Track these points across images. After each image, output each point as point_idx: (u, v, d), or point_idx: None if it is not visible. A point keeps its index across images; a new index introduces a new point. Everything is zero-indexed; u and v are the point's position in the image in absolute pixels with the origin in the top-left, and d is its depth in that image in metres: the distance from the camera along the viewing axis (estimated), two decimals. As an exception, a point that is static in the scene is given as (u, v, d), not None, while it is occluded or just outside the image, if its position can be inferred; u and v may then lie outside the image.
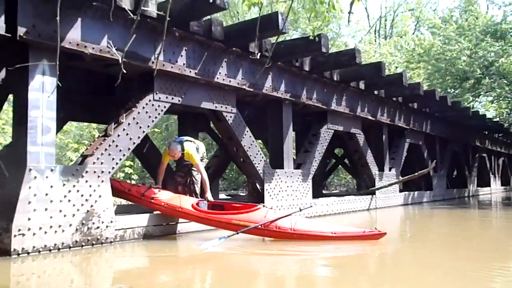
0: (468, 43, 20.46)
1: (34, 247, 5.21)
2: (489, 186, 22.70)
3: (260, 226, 6.05)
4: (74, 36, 5.79)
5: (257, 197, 8.61)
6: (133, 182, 14.11)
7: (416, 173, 12.49)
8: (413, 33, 32.14)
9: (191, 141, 7.33)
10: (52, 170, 5.47)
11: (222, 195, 16.58)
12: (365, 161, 12.03)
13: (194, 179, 7.33)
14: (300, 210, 6.38)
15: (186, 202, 6.69)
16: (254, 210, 6.31)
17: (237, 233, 6.02)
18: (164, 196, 6.79)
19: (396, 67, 24.16)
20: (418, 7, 33.40)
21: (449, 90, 22.26)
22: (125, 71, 4.68)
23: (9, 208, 5.18)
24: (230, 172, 26.01)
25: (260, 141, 15.71)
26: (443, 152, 17.18)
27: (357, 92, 11.57)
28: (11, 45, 5.40)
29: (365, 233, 6.07)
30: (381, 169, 12.76)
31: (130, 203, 7.87)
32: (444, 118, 16.58)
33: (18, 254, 5.09)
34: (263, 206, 6.54)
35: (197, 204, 6.70)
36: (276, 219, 6.13)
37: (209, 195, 7.04)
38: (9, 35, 5.21)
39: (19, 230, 5.12)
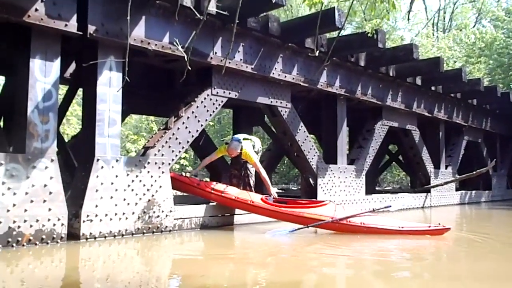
0: (534, 37, 19.61)
1: (100, 232, 5.59)
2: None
3: (332, 221, 6.29)
4: (138, 34, 6.12)
5: (310, 192, 8.75)
6: (187, 174, 14.56)
7: (474, 172, 12.21)
8: (474, 26, 31.02)
9: (248, 139, 7.51)
10: (117, 160, 5.82)
11: (274, 189, 16.78)
12: (420, 158, 11.88)
13: (249, 172, 7.54)
14: (373, 210, 6.64)
15: (255, 196, 6.98)
16: (324, 205, 6.56)
17: (307, 227, 6.31)
18: (233, 191, 7.04)
19: (455, 62, 23.47)
20: (480, -1, 32.14)
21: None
22: (189, 68, 4.92)
23: (79, 195, 5.58)
24: (281, 166, 26.19)
25: (313, 136, 15.79)
26: (504, 151, 16.63)
27: (414, 88, 11.43)
28: (81, 42, 5.78)
29: (431, 228, 6.31)
30: (437, 166, 12.56)
31: (187, 194, 8.18)
32: (506, 115, 16.03)
33: (86, 239, 5.48)
34: (330, 201, 6.74)
35: (266, 198, 6.97)
36: (352, 215, 6.35)
37: (273, 192, 7.18)
38: (80, 33, 5.59)
39: (88, 216, 5.50)
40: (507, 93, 14.00)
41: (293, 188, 19.63)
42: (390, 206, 6.93)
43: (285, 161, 23.51)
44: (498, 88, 13.39)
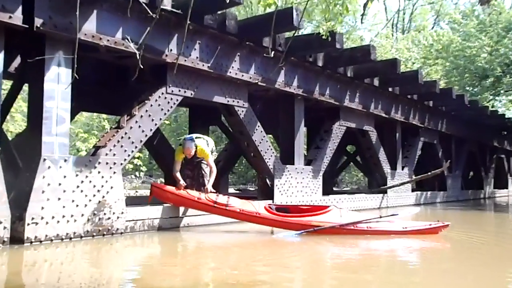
0: (489, 40, 20.44)
1: (46, 235, 5.48)
2: (507, 188, 22.70)
3: (340, 226, 6.59)
4: (89, 28, 6.03)
5: (267, 193, 8.85)
6: (141, 173, 14.38)
7: (429, 173, 12.62)
8: (432, 28, 32.05)
9: (201, 137, 7.55)
10: (65, 160, 5.72)
11: (231, 189, 16.83)
12: (378, 159, 12.20)
13: (203, 172, 7.55)
14: (380, 217, 6.86)
15: (259, 206, 7.04)
16: (328, 211, 6.81)
17: (314, 230, 6.52)
18: (236, 202, 7.04)
19: (413, 63, 24.18)
20: (439, 1, 33.22)
21: (467, 88, 22.24)
22: (142, 66, 4.90)
23: (23, 197, 5.45)
24: (239, 167, 26.25)
25: (271, 136, 15.91)
26: (459, 152, 17.27)
27: (371, 89, 11.73)
28: (27, 36, 5.64)
29: (432, 226, 6.83)
30: (393, 167, 12.93)
31: (140, 194, 8.11)
32: (461, 117, 16.65)
33: (31, 243, 5.36)
34: (334, 206, 7.01)
35: (269, 207, 7.09)
36: (359, 221, 6.69)
37: (209, 187, 7.23)
38: (26, 26, 5.45)
39: (33, 219, 5.38)
40: (462, 95, 14.55)
41: (250, 188, 19.73)
42: (397, 214, 7.21)
43: (243, 162, 23.58)
44: (453, 90, 13.89)
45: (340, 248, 5.87)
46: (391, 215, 7.12)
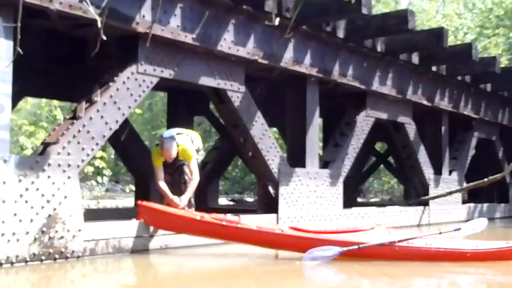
0: None
1: (-20, 259, 5.57)
2: None
3: (390, 243, 6.51)
4: (36, -12, 6.08)
5: (269, 205, 8.96)
6: (104, 178, 14.49)
7: (486, 179, 12.67)
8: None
9: (183, 133, 7.58)
10: (5, 161, 5.81)
11: (222, 200, 16.93)
12: (417, 161, 12.28)
13: (186, 178, 7.60)
14: (440, 233, 6.90)
15: (281, 223, 7.26)
16: (372, 229, 6.81)
17: (359, 247, 6.39)
18: (246, 219, 7.13)
19: (466, 34, 24.22)
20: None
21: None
22: (105, 38, 4.98)
23: (-50, 208, 5.53)
24: (234, 170, 26.38)
25: (275, 130, 15.99)
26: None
27: (409, 68, 11.79)
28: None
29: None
30: (438, 172, 13.01)
31: (103, 206, 8.20)
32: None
33: (-39, 268, 5.45)
34: (376, 225, 7.12)
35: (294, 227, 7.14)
36: (413, 238, 6.67)
37: (184, 198, 7.24)
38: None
39: (-38, 237, 5.47)
40: (530, 77, 14.52)
41: (248, 199, 19.82)
42: (460, 229, 7.00)
43: (239, 164, 23.70)
44: (519, 69, 13.95)
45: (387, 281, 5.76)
46: (454, 230, 6.98)
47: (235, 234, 6.94)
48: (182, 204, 7.19)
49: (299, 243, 6.71)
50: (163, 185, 7.30)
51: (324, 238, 6.62)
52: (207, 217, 6.96)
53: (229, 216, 7.13)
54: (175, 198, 7.16)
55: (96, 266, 6.13)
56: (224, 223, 6.88)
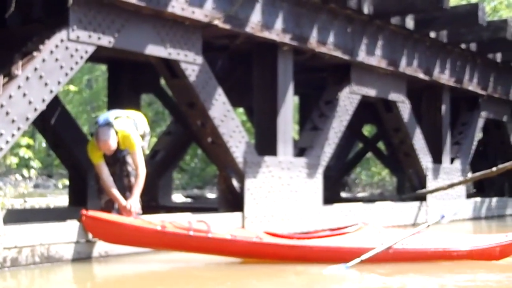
0: None
1: None
2: None
3: (387, 247, 6.94)
4: None
5: (233, 201, 8.95)
6: (32, 172, 14.35)
7: (495, 168, 12.78)
8: None
9: (122, 117, 7.44)
10: None
11: (178, 196, 16.89)
12: (412, 147, 12.34)
13: (129, 169, 7.54)
14: (428, 227, 7.32)
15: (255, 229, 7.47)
16: (358, 230, 7.19)
17: (361, 260, 6.69)
18: (222, 228, 7.19)
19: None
20: None
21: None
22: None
23: None
24: (193, 160, 26.31)
25: (242, 110, 15.98)
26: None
27: (402, 34, 11.82)
28: None
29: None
30: (437, 160, 13.11)
31: (31, 206, 8.11)
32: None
33: None
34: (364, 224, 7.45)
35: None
36: (405, 237, 7.10)
37: (134, 202, 7.24)
38: None
39: None
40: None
41: (210, 195, 19.82)
42: (444, 216, 7.58)
43: (199, 153, 23.65)
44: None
45: None
46: (440, 219, 7.47)
47: (204, 245, 6.99)
48: (132, 209, 7.15)
49: (280, 252, 6.99)
50: (111, 185, 7.21)
51: (308, 245, 6.99)
52: (170, 226, 6.94)
53: (197, 224, 7.08)
54: (121, 199, 7.13)
55: (19, 280, 6.06)
56: (191, 233, 6.90)
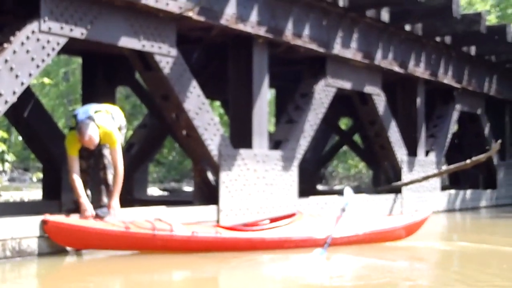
0: None
1: None
2: None
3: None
4: None
5: (208, 194, 8.95)
6: (6, 165, 14.24)
7: (469, 160, 12.86)
8: None
9: (101, 110, 7.43)
10: None
11: (154, 190, 16.85)
12: (387, 140, 12.40)
13: (105, 162, 7.50)
14: (344, 210, 7.88)
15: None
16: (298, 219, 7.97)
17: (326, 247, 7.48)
18: (183, 227, 7.29)
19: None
20: None
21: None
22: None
23: None
24: (170, 153, 26.26)
25: (217, 103, 15.93)
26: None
27: (378, 27, 11.85)
28: None
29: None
30: (412, 153, 13.18)
31: (4, 199, 8.04)
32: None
33: None
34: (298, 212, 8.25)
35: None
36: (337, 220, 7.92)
37: (115, 202, 7.30)
38: None
39: None
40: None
41: (186, 189, 19.80)
42: (348, 204, 8.07)
43: (176, 146, 23.58)
44: (509, 28, 14.04)
45: None
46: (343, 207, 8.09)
47: (168, 245, 7.12)
48: (116, 213, 7.26)
49: (237, 244, 7.47)
50: (77, 181, 7.16)
51: (262, 237, 7.58)
52: (133, 227, 6.98)
53: (160, 224, 7.16)
54: (86, 204, 7.08)
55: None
56: (156, 232, 7.01)
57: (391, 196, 12.46)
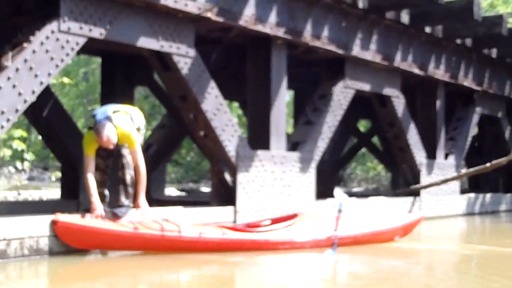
0: None
1: None
2: None
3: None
4: None
5: (225, 195, 8.95)
6: (26, 164, 14.31)
7: (489, 164, 12.78)
8: None
9: (120, 111, 7.44)
10: None
11: (171, 190, 16.86)
12: (406, 142, 12.34)
13: (123, 162, 7.50)
14: (340, 211, 7.84)
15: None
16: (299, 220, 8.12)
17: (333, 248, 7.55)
18: (192, 227, 7.40)
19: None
20: None
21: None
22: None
23: None
24: (188, 154, 26.29)
25: (235, 104, 15.92)
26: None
27: (397, 29, 11.80)
28: None
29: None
30: (431, 155, 13.12)
31: (24, 198, 8.07)
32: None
33: None
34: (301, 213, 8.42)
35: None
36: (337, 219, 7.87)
37: (142, 201, 7.38)
38: None
39: None
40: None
41: (204, 189, 19.81)
42: (341, 205, 7.94)
43: (194, 146, 23.62)
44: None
45: None
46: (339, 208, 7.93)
47: (175, 245, 7.19)
48: (146, 212, 7.37)
49: (244, 245, 7.57)
50: (91, 180, 7.17)
51: (268, 238, 7.69)
52: (142, 228, 7.01)
53: (168, 224, 7.20)
54: (97, 204, 7.08)
55: (7, 273, 6.02)
56: (165, 233, 7.06)
57: (409, 199, 12.40)
